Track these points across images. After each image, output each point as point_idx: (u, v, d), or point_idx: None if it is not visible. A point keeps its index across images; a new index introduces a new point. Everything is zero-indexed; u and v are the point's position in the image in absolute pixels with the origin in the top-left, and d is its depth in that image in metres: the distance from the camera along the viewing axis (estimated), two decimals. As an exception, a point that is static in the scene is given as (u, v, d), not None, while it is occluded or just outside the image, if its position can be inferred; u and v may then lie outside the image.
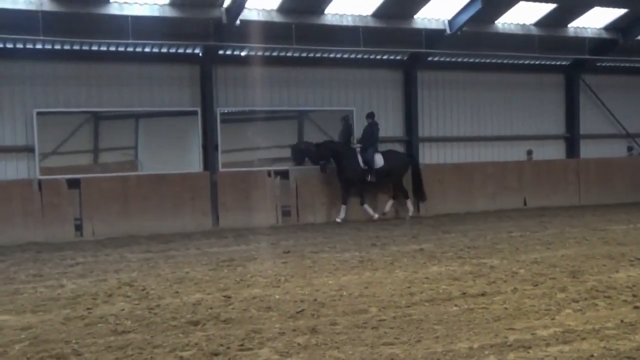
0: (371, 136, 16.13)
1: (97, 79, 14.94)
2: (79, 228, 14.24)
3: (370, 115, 16.27)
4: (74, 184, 14.29)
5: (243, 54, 16.13)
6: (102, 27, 14.19)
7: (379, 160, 16.10)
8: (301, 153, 15.87)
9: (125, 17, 13.86)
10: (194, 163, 15.53)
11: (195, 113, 15.45)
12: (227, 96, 16.04)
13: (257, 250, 11.19)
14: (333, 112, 17.07)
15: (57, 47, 14.38)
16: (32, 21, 13.22)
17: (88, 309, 6.74)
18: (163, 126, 15.25)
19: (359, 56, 17.09)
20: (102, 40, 14.43)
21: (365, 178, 15.96)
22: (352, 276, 8.27)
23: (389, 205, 16.51)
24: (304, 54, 16.54)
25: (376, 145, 16.25)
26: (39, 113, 14.23)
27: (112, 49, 14.84)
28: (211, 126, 15.56)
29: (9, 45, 14.05)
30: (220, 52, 15.73)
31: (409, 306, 6.49)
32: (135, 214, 14.58)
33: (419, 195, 16.84)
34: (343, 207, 15.96)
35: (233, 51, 15.96)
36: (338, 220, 15.78)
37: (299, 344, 5.25)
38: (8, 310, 6.78)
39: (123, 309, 6.65)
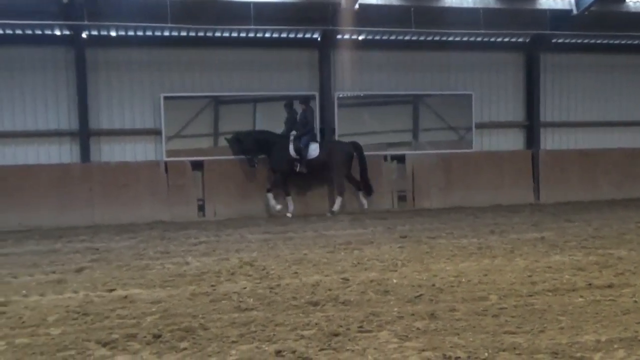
0: (305, 124, 14.79)
1: (218, 64, 15.44)
2: (201, 208, 14.85)
3: (305, 101, 14.94)
4: (196, 166, 14.88)
5: (361, 38, 16.14)
6: (224, 14, 14.61)
7: (313, 151, 14.70)
8: (236, 144, 14.68)
9: (248, 3, 14.23)
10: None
11: (313, 97, 15.63)
12: (344, 80, 16.11)
13: (373, 234, 11.19)
14: (450, 96, 16.78)
15: (183, 33, 14.95)
16: (160, 9, 13.85)
17: (212, 286, 7.00)
18: (281, 110, 15.51)
19: (479, 39, 16.67)
20: (225, 27, 14.86)
21: (294, 168, 14.63)
22: (470, 263, 8.13)
23: (338, 204, 14.90)
24: (422, 38, 16.34)
25: (312, 134, 14.99)
26: (165, 97, 14.89)
27: (234, 34, 15.25)
28: (329, 110, 15.71)
29: (139, 33, 14.75)
30: (339, 36, 15.82)
31: (530, 295, 6.30)
32: (256, 195, 14.98)
33: (365, 188, 15.18)
34: (288, 198, 14.87)
35: (351, 35, 16.00)
36: (288, 214, 14.61)
37: (417, 328, 5.22)
38: (139, 284, 7.16)
39: (245, 287, 6.85)
